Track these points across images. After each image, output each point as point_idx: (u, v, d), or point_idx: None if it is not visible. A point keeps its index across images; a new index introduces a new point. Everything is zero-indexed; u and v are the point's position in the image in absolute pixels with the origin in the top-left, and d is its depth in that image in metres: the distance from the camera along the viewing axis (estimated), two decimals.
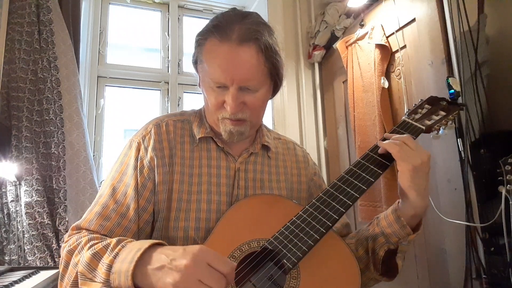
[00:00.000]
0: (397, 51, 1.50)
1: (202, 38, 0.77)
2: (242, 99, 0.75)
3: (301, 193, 0.92)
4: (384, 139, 0.78)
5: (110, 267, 0.60)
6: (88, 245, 0.66)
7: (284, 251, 0.67)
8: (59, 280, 0.68)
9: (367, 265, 0.79)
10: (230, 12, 0.77)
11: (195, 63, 0.83)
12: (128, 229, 0.74)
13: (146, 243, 0.61)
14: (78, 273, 0.63)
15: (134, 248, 0.60)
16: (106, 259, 0.62)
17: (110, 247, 0.64)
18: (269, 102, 1.99)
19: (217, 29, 0.73)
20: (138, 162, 0.78)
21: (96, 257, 0.63)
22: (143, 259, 0.58)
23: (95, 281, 0.61)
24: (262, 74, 0.76)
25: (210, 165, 0.82)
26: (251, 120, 0.79)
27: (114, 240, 0.65)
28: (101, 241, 0.66)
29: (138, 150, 0.80)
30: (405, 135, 0.76)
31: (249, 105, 0.77)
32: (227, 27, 0.72)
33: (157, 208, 0.77)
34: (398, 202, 0.77)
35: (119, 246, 0.63)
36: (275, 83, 0.83)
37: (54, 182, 1.58)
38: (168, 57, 2.29)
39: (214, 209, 0.78)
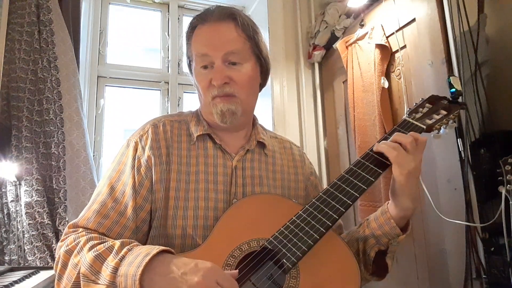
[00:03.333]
0: (397, 51, 1.50)
1: (190, 30, 0.85)
2: (227, 73, 0.79)
3: (298, 191, 0.92)
4: (386, 139, 0.77)
5: (116, 269, 0.60)
6: (88, 245, 0.66)
7: (284, 250, 0.67)
8: (56, 280, 0.68)
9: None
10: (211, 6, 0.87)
11: (189, 65, 0.87)
12: (127, 227, 0.74)
13: (154, 248, 0.61)
14: (80, 275, 0.63)
15: (142, 253, 0.60)
16: (111, 261, 0.61)
17: (114, 250, 0.63)
18: (269, 102, 2.04)
19: (199, 17, 0.84)
20: (136, 161, 0.79)
21: (99, 259, 0.63)
22: (151, 265, 0.59)
23: (99, 283, 0.61)
24: (244, 48, 0.81)
25: (207, 163, 0.82)
26: (240, 97, 0.81)
27: (117, 242, 0.65)
28: (102, 242, 0.66)
29: (136, 149, 0.80)
30: (407, 135, 0.75)
31: (235, 80, 0.80)
32: (208, 13, 0.83)
33: (155, 207, 0.78)
34: (387, 204, 0.78)
35: (125, 249, 0.63)
36: (261, 65, 0.86)
37: (54, 182, 1.58)
38: (168, 57, 2.29)
39: (212, 206, 0.78)
